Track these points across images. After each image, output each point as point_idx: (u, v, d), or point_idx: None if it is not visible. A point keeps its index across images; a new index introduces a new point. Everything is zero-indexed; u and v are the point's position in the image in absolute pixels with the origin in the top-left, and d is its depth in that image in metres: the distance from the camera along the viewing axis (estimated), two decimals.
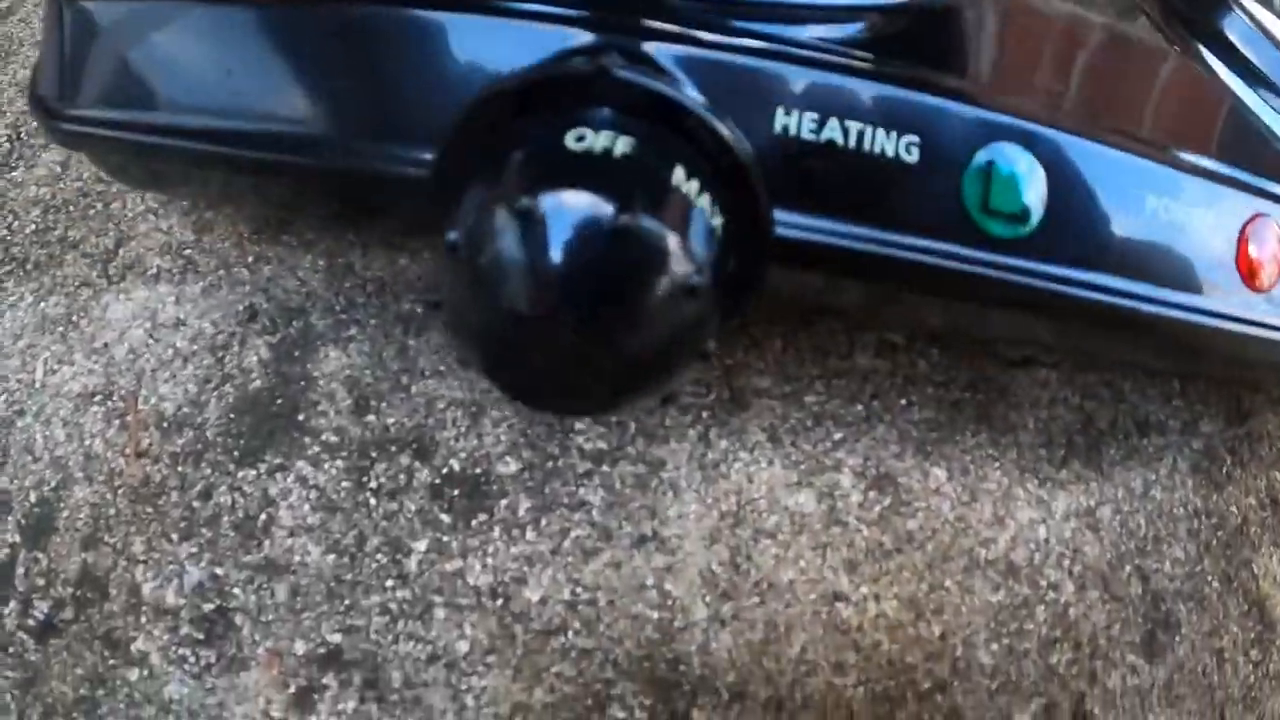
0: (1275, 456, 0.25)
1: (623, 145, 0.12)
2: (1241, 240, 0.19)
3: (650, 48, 0.16)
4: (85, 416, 0.22)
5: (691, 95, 0.14)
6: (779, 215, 0.15)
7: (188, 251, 0.24)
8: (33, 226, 0.26)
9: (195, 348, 0.22)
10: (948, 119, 0.16)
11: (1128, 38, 0.21)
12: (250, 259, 0.23)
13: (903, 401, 0.22)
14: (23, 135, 0.28)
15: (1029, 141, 0.17)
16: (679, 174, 0.13)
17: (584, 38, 0.16)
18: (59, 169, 0.27)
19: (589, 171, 0.12)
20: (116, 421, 0.22)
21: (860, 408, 0.22)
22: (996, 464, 0.22)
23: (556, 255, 0.11)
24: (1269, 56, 0.25)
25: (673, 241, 0.12)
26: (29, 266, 0.25)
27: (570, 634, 0.20)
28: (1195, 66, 0.22)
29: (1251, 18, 0.26)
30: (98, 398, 0.22)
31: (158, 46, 0.18)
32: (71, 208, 0.26)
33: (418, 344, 0.22)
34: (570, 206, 0.11)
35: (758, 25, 0.17)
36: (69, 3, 0.19)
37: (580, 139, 0.12)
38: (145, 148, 0.18)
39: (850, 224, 0.16)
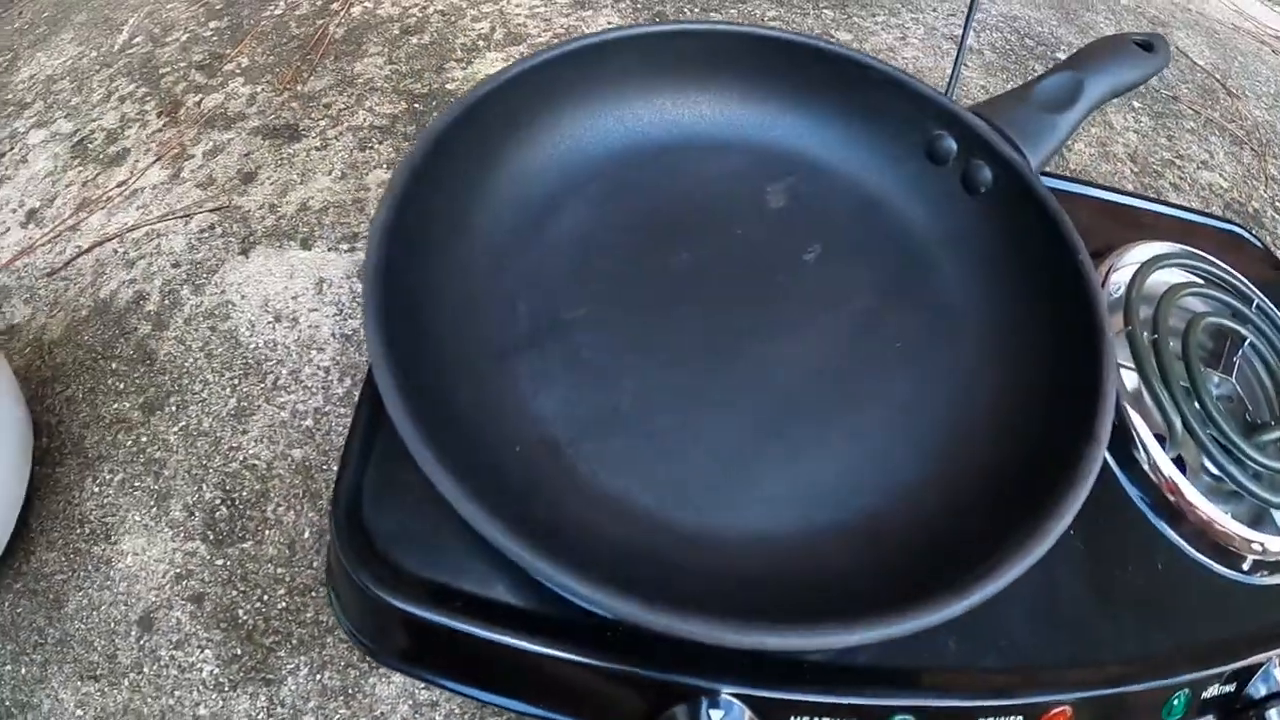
0: None
1: None
2: None
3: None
4: None
5: None
6: None
7: None
8: (283, 604, 0.35)
9: None
10: None
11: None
12: None
13: None
14: (236, 502, 0.36)
15: None
16: None
17: None
18: (287, 550, 0.35)
19: None
20: None
21: None
22: None
23: None
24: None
25: None
26: (294, 641, 0.34)
27: None
28: None
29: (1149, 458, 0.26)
30: None
31: None
32: (314, 594, 0.35)
33: None
34: None
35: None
36: None
37: None
38: None
39: None
